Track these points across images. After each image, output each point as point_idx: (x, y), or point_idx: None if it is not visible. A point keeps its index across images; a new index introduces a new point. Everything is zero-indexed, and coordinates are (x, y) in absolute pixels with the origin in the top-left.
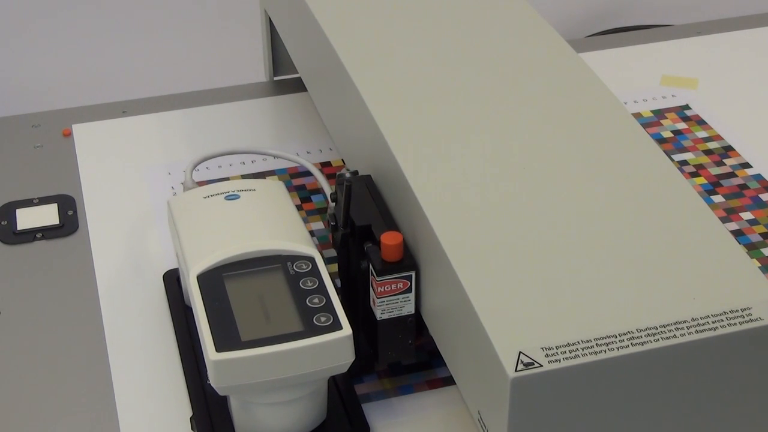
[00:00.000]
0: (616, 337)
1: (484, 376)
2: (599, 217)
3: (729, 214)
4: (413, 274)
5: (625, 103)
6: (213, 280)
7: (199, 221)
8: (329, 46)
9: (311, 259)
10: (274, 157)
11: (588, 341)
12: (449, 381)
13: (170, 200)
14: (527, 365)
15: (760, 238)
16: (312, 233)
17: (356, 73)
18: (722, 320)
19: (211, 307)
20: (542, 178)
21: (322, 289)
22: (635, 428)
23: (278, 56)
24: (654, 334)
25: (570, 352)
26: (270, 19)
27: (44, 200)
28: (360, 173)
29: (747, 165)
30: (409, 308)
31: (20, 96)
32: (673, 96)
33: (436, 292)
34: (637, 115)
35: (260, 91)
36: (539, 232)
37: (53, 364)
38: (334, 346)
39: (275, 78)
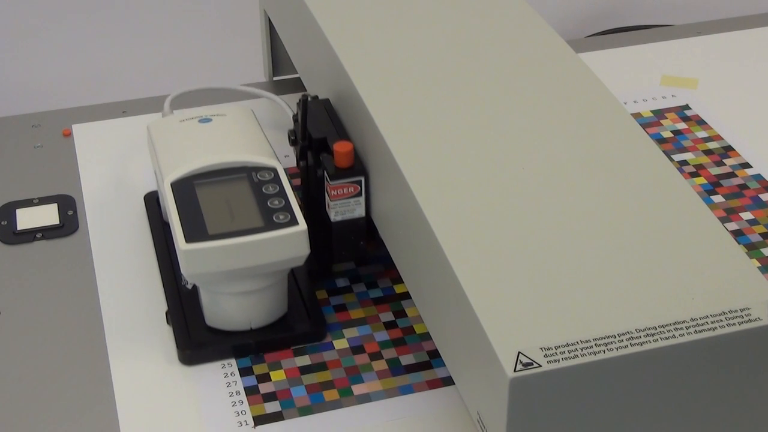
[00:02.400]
0: (615, 337)
1: (483, 376)
2: (598, 216)
3: (729, 214)
4: (363, 179)
5: (625, 103)
6: (185, 186)
7: (175, 140)
8: (328, 46)
9: (274, 170)
10: (246, 92)
11: (587, 341)
12: (449, 381)
13: (150, 125)
14: (526, 365)
15: (760, 238)
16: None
17: (355, 72)
18: (721, 320)
19: (182, 208)
20: (540, 177)
21: (282, 194)
22: (634, 428)
23: (278, 56)
24: (653, 335)
25: (569, 352)
26: (270, 19)
27: (44, 200)
28: None
29: (747, 165)
30: (360, 211)
31: (20, 96)
32: (673, 96)
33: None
34: (637, 115)
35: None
36: (538, 231)
37: (53, 364)
38: (291, 239)
39: (275, 78)
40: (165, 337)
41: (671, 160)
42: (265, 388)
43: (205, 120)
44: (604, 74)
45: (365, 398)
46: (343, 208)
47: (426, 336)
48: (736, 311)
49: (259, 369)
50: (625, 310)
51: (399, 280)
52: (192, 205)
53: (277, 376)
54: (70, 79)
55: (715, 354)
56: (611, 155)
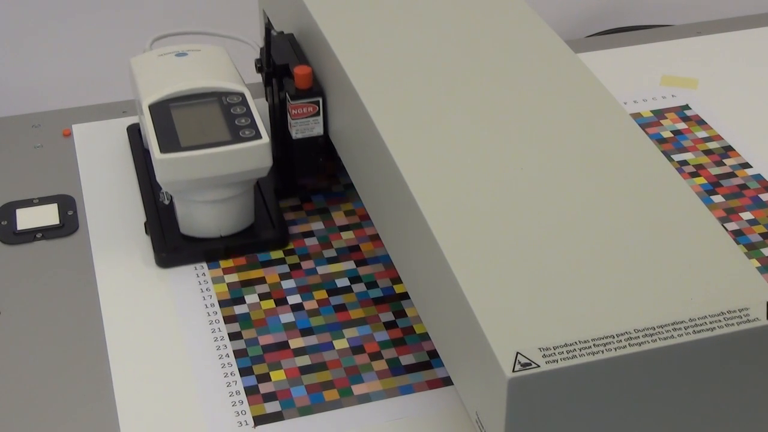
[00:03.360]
0: (614, 337)
1: (482, 376)
2: (596, 216)
3: (729, 214)
4: (320, 99)
5: (625, 103)
6: (161, 108)
7: (153, 70)
8: (327, 45)
9: (242, 94)
10: (225, 36)
11: (585, 341)
12: (449, 381)
13: (131, 60)
14: (524, 366)
15: (760, 238)
16: (312, 233)
17: (354, 72)
18: (720, 321)
19: (158, 126)
20: (538, 177)
21: (249, 114)
22: (633, 429)
23: None
24: (651, 335)
25: (567, 352)
26: (269, 19)
27: (44, 200)
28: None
29: (747, 165)
30: (318, 129)
31: (20, 96)
32: (673, 96)
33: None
34: (637, 115)
35: (260, 91)
36: (536, 231)
37: (53, 364)
38: (255, 151)
39: None
40: (144, 248)
41: (671, 160)
42: (265, 388)
43: (181, 54)
44: (604, 74)
45: (365, 398)
46: (303, 126)
47: (426, 336)
48: (734, 311)
49: (259, 369)
50: (624, 311)
51: (399, 280)
52: (167, 124)
53: (277, 376)
54: (70, 79)
55: (713, 354)
56: (610, 155)
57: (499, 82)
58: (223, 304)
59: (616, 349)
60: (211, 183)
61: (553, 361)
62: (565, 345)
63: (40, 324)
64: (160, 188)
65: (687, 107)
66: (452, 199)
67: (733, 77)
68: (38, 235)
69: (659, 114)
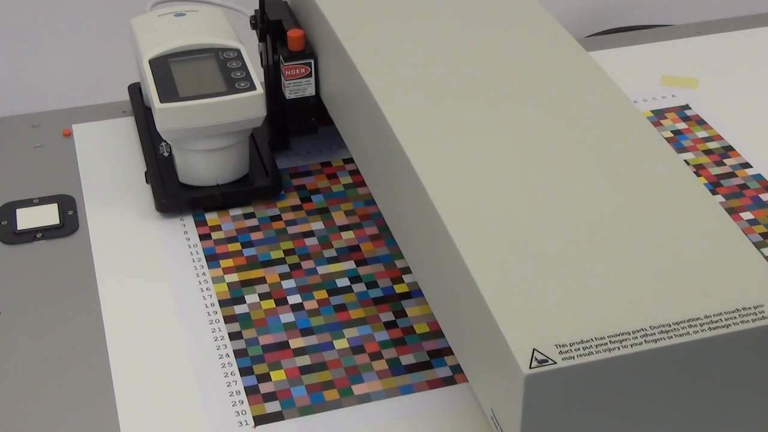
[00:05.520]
0: (630, 334)
1: (498, 373)
2: (612, 213)
3: (729, 214)
4: (312, 61)
5: None
6: (161, 63)
7: (153, 29)
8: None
9: (237, 50)
10: (219, 5)
11: (602, 338)
12: (449, 381)
13: (132, 20)
14: (541, 362)
15: (760, 238)
16: (312, 233)
17: (365, 69)
18: (735, 317)
19: (158, 79)
20: (553, 174)
21: (244, 68)
22: (648, 425)
23: None
24: (667, 332)
25: (584, 349)
26: None
27: (44, 200)
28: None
29: (747, 165)
30: (310, 90)
31: (20, 96)
32: (673, 96)
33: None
34: None
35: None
36: (552, 228)
37: (53, 364)
38: (250, 101)
39: None
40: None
41: None
42: (265, 388)
43: (180, 14)
44: None
45: (365, 398)
46: (296, 87)
47: (426, 336)
48: (749, 308)
49: (259, 369)
50: (640, 307)
51: (399, 280)
52: (166, 77)
53: (277, 376)
54: (70, 79)
55: (728, 351)
56: (624, 153)
57: (507, 76)
58: (223, 303)
59: (631, 346)
60: (208, 132)
61: (570, 357)
62: (582, 342)
63: (40, 324)
64: (160, 142)
65: (687, 107)
66: (467, 197)
67: (733, 77)
68: (38, 235)
69: (659, 114)
